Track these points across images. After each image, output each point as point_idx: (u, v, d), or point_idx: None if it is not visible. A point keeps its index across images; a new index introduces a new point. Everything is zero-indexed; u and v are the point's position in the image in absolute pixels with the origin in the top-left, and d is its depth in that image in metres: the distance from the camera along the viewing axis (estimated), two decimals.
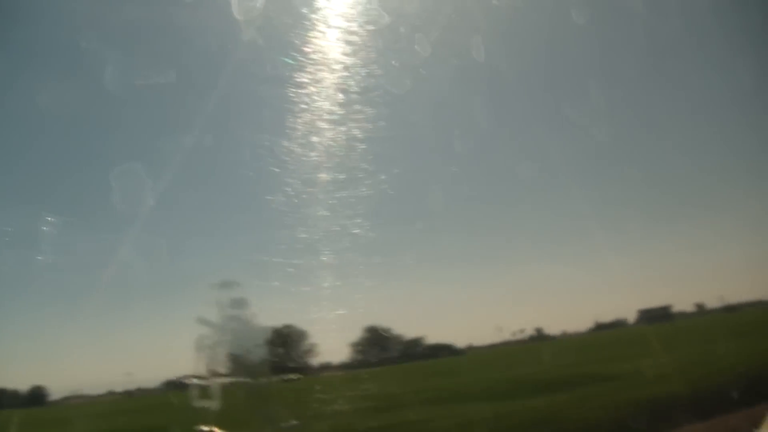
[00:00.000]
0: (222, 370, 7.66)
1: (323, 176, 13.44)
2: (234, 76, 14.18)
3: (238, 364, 7.75)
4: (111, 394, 35.94)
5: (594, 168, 51.74)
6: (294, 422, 8.20)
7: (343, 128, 13.20)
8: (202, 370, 7.56)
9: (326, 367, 19.93)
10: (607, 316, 60.66)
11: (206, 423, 7.75)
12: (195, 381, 7.55)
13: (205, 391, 7.51)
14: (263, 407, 7.86)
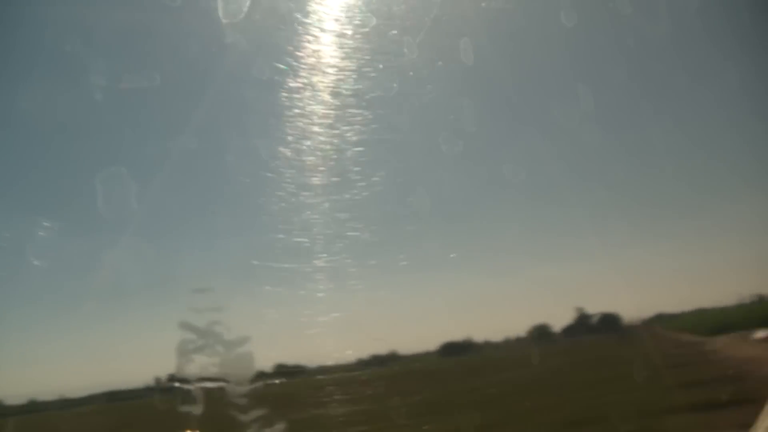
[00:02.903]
0: (206, 374, 7.66)
1: (316, 180, 13.46)
2: (225, 81, 14.19)
3: (223, 368, 7.74)
4: (92, 399, 35.49)
5: (586, 171, 51.73)
6: (280, 426, 8.19)
7: (336, 131, 13.22)
8: (185, 374, 7.55)
9: (320, 370, 19.94)
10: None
11: (190, 427, 7.75)
12: (179, 385, 7.55)
13: (188, 396, 7.50)
14: (248, 411, 7.85)
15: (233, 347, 7.61)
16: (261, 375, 8.41)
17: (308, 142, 12.78)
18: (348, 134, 13.23)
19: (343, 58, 12.30)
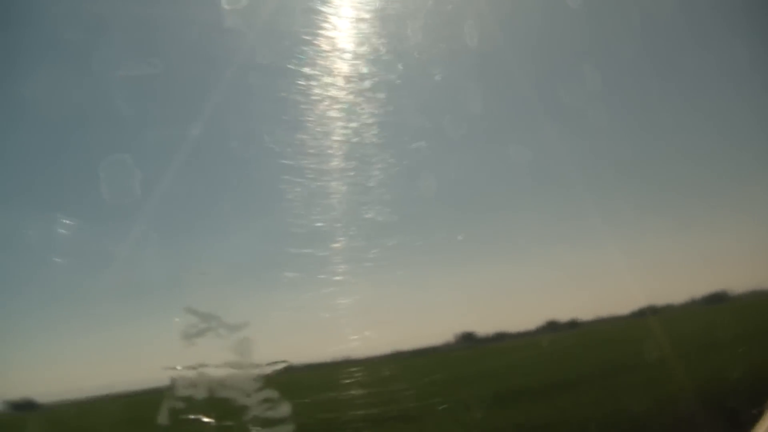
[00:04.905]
0: (211, 360, 7.66)
1: (335, 164, 13.43)
2: (240, 69, 14.24)
3: (228, 354, 7.74)
4: (98, 393, 35.23)
5: (598, 158, 50.11)
6: (286, 412, 8.18)
7: (354, 116, 13.14)
8: (190, 360, 7.57)
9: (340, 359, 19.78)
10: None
11: (194, 412, 7.77)
12: (183, 372, 7.57)
13: (193, 382, 7.52)
14: (254, 397, 7.86)
15: (234, 332, 7.59)
16: (266, 361, 8.37)
17: (327, 128, 12.77)
18: (367, 119, 13.18)
19: (362, 44, 12.20)
